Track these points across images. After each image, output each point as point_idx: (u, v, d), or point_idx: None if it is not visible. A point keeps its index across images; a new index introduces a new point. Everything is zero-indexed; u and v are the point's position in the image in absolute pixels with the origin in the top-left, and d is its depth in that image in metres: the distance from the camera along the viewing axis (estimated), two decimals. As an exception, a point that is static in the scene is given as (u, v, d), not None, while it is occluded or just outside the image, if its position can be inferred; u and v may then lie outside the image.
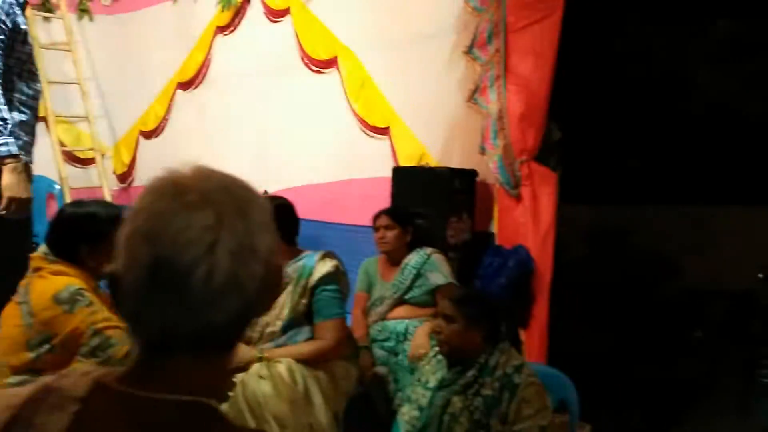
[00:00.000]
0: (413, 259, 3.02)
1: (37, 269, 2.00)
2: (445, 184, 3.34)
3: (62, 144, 5.47)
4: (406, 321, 2.96)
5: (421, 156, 3.85)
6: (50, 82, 5.07)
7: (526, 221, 3.36)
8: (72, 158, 5.59)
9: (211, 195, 0.78)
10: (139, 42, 5.55)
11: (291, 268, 2.49)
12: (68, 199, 5.09)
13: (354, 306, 3.12)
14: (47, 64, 5.35)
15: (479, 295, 2.46)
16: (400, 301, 3.01)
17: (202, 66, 5.08)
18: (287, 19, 4.53)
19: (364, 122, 4.11)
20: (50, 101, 5.21)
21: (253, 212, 0.81)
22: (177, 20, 5.25)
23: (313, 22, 4.36)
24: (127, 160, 5.65)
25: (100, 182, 5.32)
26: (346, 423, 2.49)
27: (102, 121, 5.80)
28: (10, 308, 1.98)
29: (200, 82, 5.13)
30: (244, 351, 2.37)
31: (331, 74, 4.30)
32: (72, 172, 5.57)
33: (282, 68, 4.57)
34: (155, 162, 5.47)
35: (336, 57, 4.25)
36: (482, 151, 3.51)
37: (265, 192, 4.68)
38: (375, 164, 3.97)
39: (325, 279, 2.45)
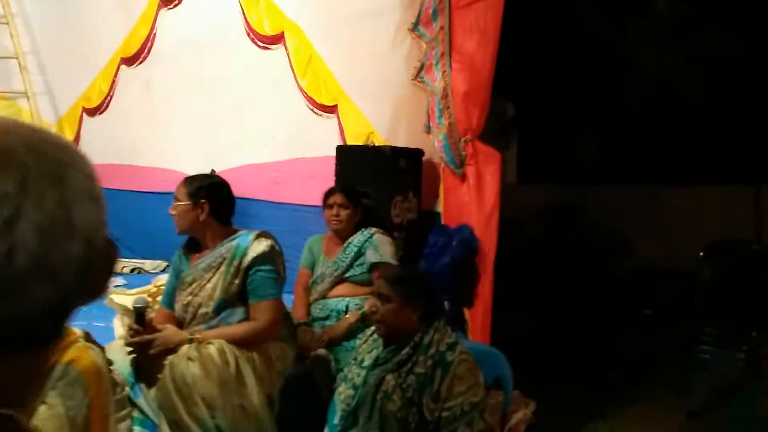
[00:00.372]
0: (356, 237, 3.00)
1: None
2: (390, 163, 3.30)
3: (1, 120, 5.25)
4: (347, 299, 2.94)
5: (369, 135, 3.80)
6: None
7: (471, 200, 3.36)
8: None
9: (11, 155, 0.61)
10: (80, 15, 5.36)
11: (224, 248, 2.43)
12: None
13: (297, 282, 3.08)
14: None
15: (415, 274, 2.44)
16: (341, 279, 2.98)
17: (146, 40, 4.93)
18: (231, -8, 4.41)
19: (311, 100, 4.04)
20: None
21: (70, 178, 0.64)
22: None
23: (258, -3, 4.25)
24: (70, 137, 5.46)
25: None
26: (283, 402, 2.46)
27: (44, 97, 5.61)
28: None
29: (145, 57, 4.98)
30: (174, 333, 2.31)
31: (278, 50, 4.20)
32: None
33: (227, 43, 4.46)
34: (100, 140, 5.34)
35: (283, 32, 4.15)
36: (428, 129, 3.48)
37: (213, 171, 4.60)
38: (322, 143, 3.90)
39: (260, 259, 2.39)
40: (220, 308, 2.40)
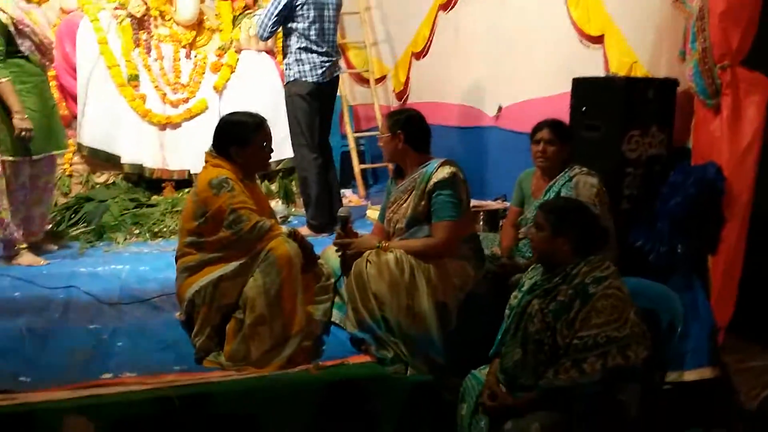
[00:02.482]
0: (558, 180, 2.99)
1: (206, 162, 2.72)
2: (624, 95, 3.14)
3: (352, 66, 6.43)
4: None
5: (632, 65, 3.62)
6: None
7: (722, 135, 3.00)
8: (360, 79, 6.51)
9: None
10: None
11: (417, 173, 2.80)
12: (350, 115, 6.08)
13: (505, 219, 3.25)
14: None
15: (571, 206, 2.43)
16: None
17: (458, -15, 5.37)
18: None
19: (580, 31, 3.99)
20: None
21: None
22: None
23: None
24: (402, 79, 6.33)
25: (372, 100, 6.12)
26: (460, 317, 2.76)
27: (385, 45, 6.56)
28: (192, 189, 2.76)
29: (455, 3, 5.44)
30: (367, 240, 2.82)
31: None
32: (360, 91, 6.52)
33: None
34: (423, 80, 6.07)
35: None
36: (682, 56, 3.19)
37: (500, 107, 4.92)
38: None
39: (441, 184, 2.70)
40: (410, 224, 2.80)
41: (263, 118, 2.82)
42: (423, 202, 2.75)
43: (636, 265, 3.06)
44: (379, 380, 2.51)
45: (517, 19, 4.66)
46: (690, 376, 2.90)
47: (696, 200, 2.99)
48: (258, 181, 2.99)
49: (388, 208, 2.93)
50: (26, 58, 3.56)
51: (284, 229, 2.68)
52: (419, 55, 6.05)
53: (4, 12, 3.43)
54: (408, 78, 6.29)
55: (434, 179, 2.72)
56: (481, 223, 4.01)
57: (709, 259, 3.08)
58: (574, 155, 3.11)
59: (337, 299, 2.84)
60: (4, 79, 3.43)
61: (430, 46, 5.89)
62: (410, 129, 2.81)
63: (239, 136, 2.70)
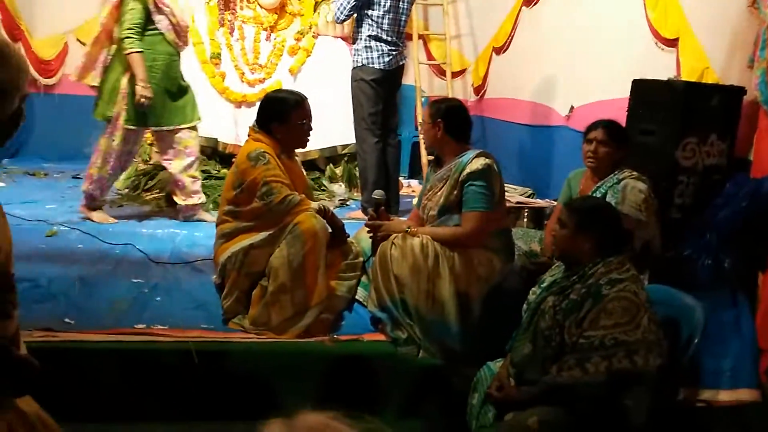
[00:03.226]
0: (606, 181, 2.92)
1: (248, 136, 2.87)
2: (683, 101, 3.02)
3: (432, 58, 6.48)
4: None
5: (703, 71, 3.47)
6: (418, 3, 5.98)
7: (786, 149, 2.85)
8: (439, 71, 6.53)
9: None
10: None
11: (453, 163, 2.83)
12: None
13: (549, 216, 3.21)
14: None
15: (596, 206, 2.38)
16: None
17: (543, -19, 5.29)
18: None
19: (656, 34, 3.85)
20: (420, 20, 6.18)
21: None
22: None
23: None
24: (481, 73, 6.30)
25: (447, 92, 6.13)
26: (489, 308, 2.78)
27: (468, 39, 6.55)
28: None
29: (540, -1, 5.36)
30: (397, 224, 2.88)
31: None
32: (438, 83, 6.55)
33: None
34: (502, 76, 6.02)
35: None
36: (750, 63, 3.05)
37: (572, 107, 4.83)
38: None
39: (473, 175, 2.72)
40: (441, 213, 2.84)
41: (304, 96, 2.93)
42: (455, 192, 2.78)
43: (681, 276, 2.97)
44: (389, 359, 2.57)
45: (595, 18, 4.55)
46: (725, 396, 2.79)
47: (747, 214, 2.86)
48: (298, 158, 3.09)
49: (425, 195, 2.97)
50: (162, 36, 3.84)
51: (314, 205, 2.79)
52: (500, 51, 6.00)
53: None
54: (487, 73, 6.25)
55: (468, 169, 2.74)
56: (525, 219, 3.97)
57: (759, 277, 2.94)
58: (627, 159, 3.02)
59: (364, 278, 2.92)
60: (137, 50, 3.71)
61: (511, 41, 5.83)
62: (450, 118, 2.84)
63: (279, 113, 2.82)
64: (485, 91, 6.33)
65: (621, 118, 3.88)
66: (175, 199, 4.11)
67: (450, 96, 6.10)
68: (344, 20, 4.46)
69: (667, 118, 3.09)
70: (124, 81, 3.78)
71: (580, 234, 2.25)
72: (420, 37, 6.42)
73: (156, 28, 3.80)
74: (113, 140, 3.85)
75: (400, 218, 2.98)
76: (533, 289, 2.47)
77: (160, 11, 3.78)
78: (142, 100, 3.72)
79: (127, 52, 3.71)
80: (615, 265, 2.22)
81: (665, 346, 2.21)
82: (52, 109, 6.09)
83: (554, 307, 2.27)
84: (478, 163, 2.74)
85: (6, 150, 5.74)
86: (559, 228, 2.33)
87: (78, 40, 6.16)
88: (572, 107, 4.85)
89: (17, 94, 1.35)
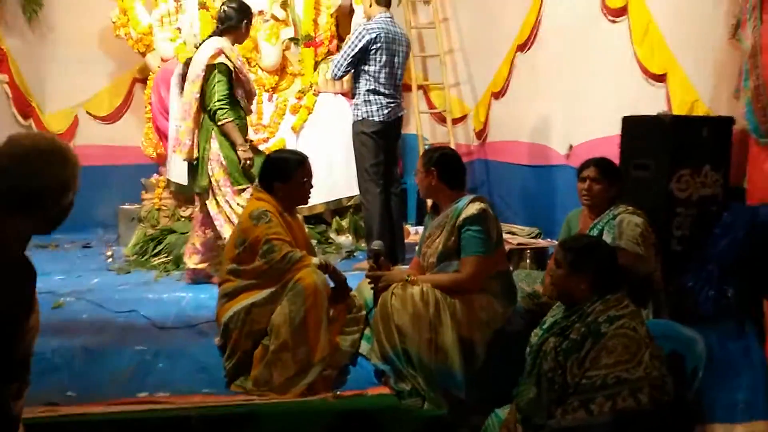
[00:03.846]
0: (603, 217, 2.93)
1: (251, 195, 2.93)
2: (672, 134, 3.05)
3: (433, 106, 6.60)
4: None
5: (693, 103, 3.51)
6: (416, 56, 6.13)
7: (779, 176, 2.85)
8: (440, 118, 6.63)
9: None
10: (494, 13, 6.15)
11: (450, 209, 2.86)
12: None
13: (551, 256, 3.21)
14: (426, 40, 6.52)
15: (590, 244, 2.38)
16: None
17: (534, 27, 5.39)
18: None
19: (645, 69, 3.91)
20: (420, 71, 6.31)
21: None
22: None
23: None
24: (482, 118, 6.37)
25: (449, 139, 6.21)
26: (494, 353, 2.76)
27: (467, 86, 6.66)
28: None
29: (532, 43, 5.46)
30: (397, 273, 2.90)
31: (622, 23, 4.17)
32: (440, 130, 6.64)
33: (587, 22, 4.58)
34: (501, 119, 6.10)
35: (627, 3, 4.09)
36: (736, 94, 3.08)
37: (570, 146, 4.87)
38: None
39: (470, 220, 2.74)
40: (440, 259, 2.85)
41: (305, 156, 2.99)
42: (453, 238, 2.80)
43: (684, 309, 2.93)
44: (393, 412, 2.55)
45: (587, 58, 4.63)
46: (741, 430, 2.72)
47: (746, 243, 2.84)
48: (300, 215, 3.14)
49: (423, 243, 2.99)
50: (238, 102, 4.03)
51: (315, 260, 2.81)
52: (498, 95, 6.08)
53: (230, 60, 3.90)
54: (487, 117, 6.32)
55: (464, 215, 2.76)
56: (528, 261, 3.96)
57: (765, 305, 2.89)
58: (623, 195, 3.04)
59: (367, 331, 2.91)
60: (231, 119, 3.89)
61: (508, 86, 5.92)
62: (443, 166, 2.88)
63: (281, 172, 2.89)
64: (487, 134, 6.40)
65: (618, 154, 3.92)
66: (188, 262, 4.15)
67: (452, 141, 6.19)
68: (341, 77, 4.58)
69: (659, 151, 3.11)
70: (213, 149, 3.94)
71: (576, 273, 2.25)
72: (420, 87, 6.54)
73: (234, 96, 3.99)
74: (212, 205, 4.00)
75: (402, 267, 3.00)
76: (535, 330, 2.46)
77: (239, 81, 3.99)
78: (248, 162, 3.90)
79: (222, 122, 3.89)
80: (613, 302, 2.21)
81: (670, 382, 2.18)
82: (63, 181, 6.23)
83: (555, 348, 2.25)
84: (474, 208, 2.76)
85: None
86: (555, 268, 2.33)
87: (87, 112, 6.38)
88: (571, 146, 4.88)
89: (74, 190, 1.61)
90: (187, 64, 4.04)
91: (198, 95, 3.95)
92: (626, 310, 2.21)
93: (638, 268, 2.78)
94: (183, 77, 4.06)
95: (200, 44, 4.08)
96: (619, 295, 2.25)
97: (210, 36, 4.07)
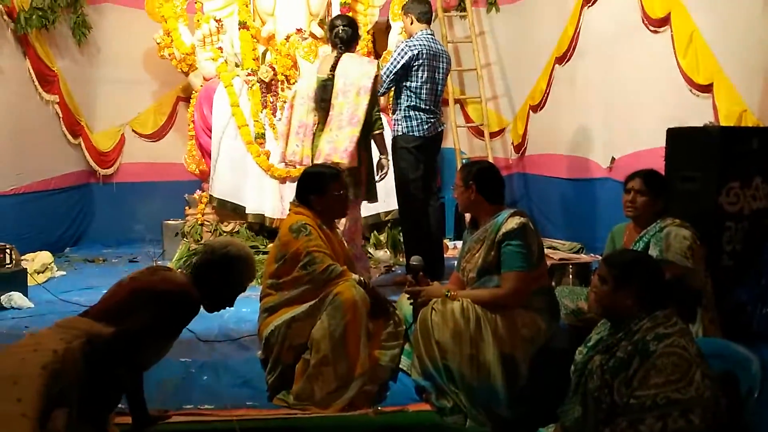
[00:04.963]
0: (649, 230, 2.86)
1: (289, 210, 2.95)
2: (720, 146, 2.98)
3: (470, 120, 6.58)
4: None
5: (741, 114, 3.42)
6: (453, 70, 6.12)
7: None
8: (478, 132, 6.60)
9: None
10: (531, 26, 6.14)
11: (489, 224, 2.83)
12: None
13: (595, 272, 3.14)
14: (462, 54, 6.53)
15: (636, 259, 2.31)
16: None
17: (572, 39, 5.35)
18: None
19: (689, 80, 3.84)
20: (456, 85, 6.32)
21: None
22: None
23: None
24: (520, 131, 6.34)
25: (486, 152, 6.18)
26: (537, 370, 2.71)
27: (504, 99, 6.63)
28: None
29: (571, 55, 5.42)
30: (437, 288, 2.87)
31: (664, 33, 4.10)
32: (478, 144, 6.62)
33: (628, 32, 4.54)
34: (540, 132, 6.06)
35: (669, 13, 4.03)
36: (787, 105, 2.98)
37: (613, 158, 4.80)
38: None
39: (509, 234, 2.71)
40: (480, 274, 2.82)
41: (339, 169, 3.01)
42: (493, 253, 2.76)
43: (736, 326, 2.84)
44: (435, 429, 2.52)
45: (629, 70, 4.58)
46: (798, 454, 2.60)
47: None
48: (338, 230, 3.15)
49: (463, 258, 2.97)
50: None
51: (354, 276, 2.82)
52: (537, 108, 6.05)
53: None
54: (526, 130, 6.29)
55: (503, 229, 2.73)
56: (571, 276, 3.89)
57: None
58: (669, 208, 2.97)
59: (407, 346, 2.90)
60: (383, 130, 4.30)
61: (547, 98, 5.89)
62: (482, 180, 2.86)
63: (317, 186, 2.91)
64: (525, 148, 6.36)
65: (663, 165, 3.84)
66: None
67: (490, 155, 6.16)
68: (383, 94, 4.61)
69: (707, 163, 3.04)
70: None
71: (621, 289, 2.19)
72: (457, 101, 6.54)
73: None
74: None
75: (440, 282, 2.98)
76: (579, 348, 2.40)
77: None
78: (386, 172, 4.32)
79: (379, 131, 4.26)
80: (661, 319, 2.15)
81: (723, 403, 2.10)
82: (109, 198, 6.42)
83: (601, 367, 2.20)
84: (513, 223, 2.73)
85: (68, 239, 6.04)
86: (600, 284, 2.28)
87: (133, 131, 6.55)
88: (613, 158, 4.81)
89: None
90: (326, 82, 4.12)
91: (367, 106, 4.13)
92: (675, 328, 2.14)
93: (687, 282, 2.70)
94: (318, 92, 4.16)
95: (335, 61, 4.14)
96: (668, 311, 2.19)
97: (340, 53, 4.16)
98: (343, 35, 4.16)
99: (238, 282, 2.44)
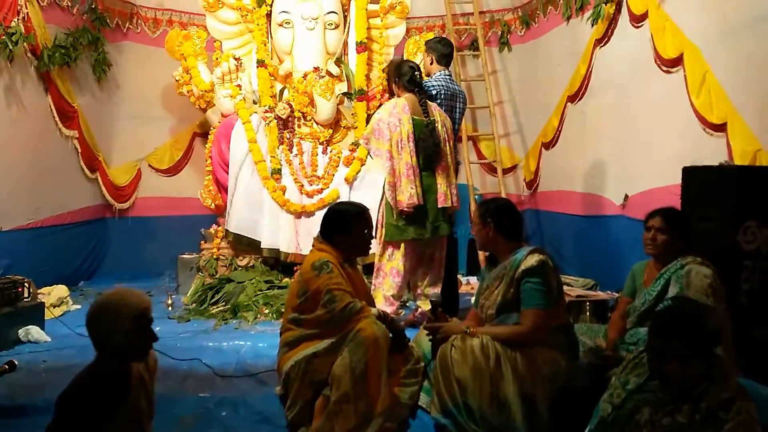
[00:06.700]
0: (669, 268, 2.88)
1: (313, 246, 2.98)
2: (736, 184, 3.00)
3: (483, 157, 6.64)
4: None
5: (755, 153, 3.45)
6: (467, 108, 6.20)
7: None
8: (491, 169, 6.66)
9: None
10: (544, 64, 6.24)
11: (508, 261, 2.85)
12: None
13: (615, 308, 3.15)
14: (475, 92, 6.63)
15: (692, 312, 2.16)
16: (648, 313, 2.86)
17: (584, 78, 5.44)
18: (646, 23, 4.54)
19: (703, 120, 3.88)
20: (469, 122, 6.39)
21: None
22: (569, 40, 5.72)
23: (665, 22, 4.29)
24: (533, 168, 6.40)
25: (499, 189, 6.22)
26: (558, 408, 2.70)
27: (516, 136, 6.70)
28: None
29: (583, 94, 5.49)
30: (455, 325, 2.87)
31: (677, 73, 4.16)
32: (490, 180, 6.66)
33: (640, 72, 4.60)
34: (552, 169, 6.10)
35: (682, 54, 4.09)
36: (802, 143, 3.01)
37: (626, 196, 4.82)
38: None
39: (529, 272, 2.73)
40: (500, 311, 2.83)
41: (365, 207, 3.05)
42: (512, 290, 2.78)
43: (756, 366, 2.82)
44: (456, 468, 2.50)
45: (642, 109, 4.63)
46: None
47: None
48: (359, 265, 3.17)
49: (481, 295, 2.98)
50: None
51: (374, 311, 2.83)
52: (549, 145, 6.11)
53: None
54: (538, 167, 6.35)
55: (523, 266, 2.75)
56: (588, 313, 3.88)
57: None
58: (690, 246, 2.97)
59: (426, 383, 2.89)
60: None
61: (559, 135, 5.95)
62: (500, 217, 2.89)
63: (342, 224, 2.94)
64: (537, 184, 6.41)
65: (676, 203, 3.85)
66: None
67: (503, 191, 6.20)
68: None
69: (724, 203, 3.06)
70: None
71: (695, 359, 2.06)
72: (470, 138, 6.61)
73: None
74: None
75: (458, 319, 2.99)
76: (615, 390, 2.32)
77: None
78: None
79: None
80: (719, 378, 2.05)
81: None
82: (125, 232, 6.47)
83: (652, 422, 2.14)
84: (533, 260, 2.75)
85: (82, 272, 6.08)
86: (672, 362, 2.08)
87: (150, 165, 6.64)
88: (626, 196, 4.84)
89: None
90: (430, 126, 4.17)
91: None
92: (734, 390, 2.06)
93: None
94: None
95: (425, 106, 4.24)
96: (724, 368, 2.12)
97: (422, 98, 4.24)
98: (420, 81, 4.30)
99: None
